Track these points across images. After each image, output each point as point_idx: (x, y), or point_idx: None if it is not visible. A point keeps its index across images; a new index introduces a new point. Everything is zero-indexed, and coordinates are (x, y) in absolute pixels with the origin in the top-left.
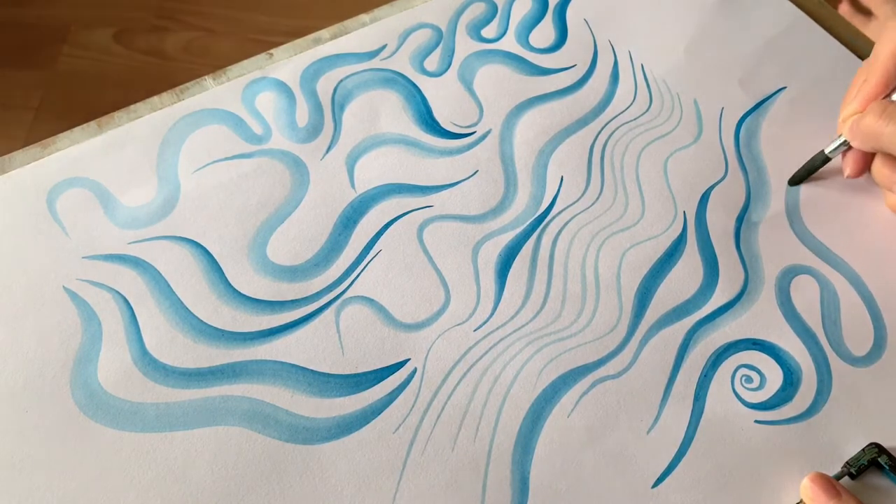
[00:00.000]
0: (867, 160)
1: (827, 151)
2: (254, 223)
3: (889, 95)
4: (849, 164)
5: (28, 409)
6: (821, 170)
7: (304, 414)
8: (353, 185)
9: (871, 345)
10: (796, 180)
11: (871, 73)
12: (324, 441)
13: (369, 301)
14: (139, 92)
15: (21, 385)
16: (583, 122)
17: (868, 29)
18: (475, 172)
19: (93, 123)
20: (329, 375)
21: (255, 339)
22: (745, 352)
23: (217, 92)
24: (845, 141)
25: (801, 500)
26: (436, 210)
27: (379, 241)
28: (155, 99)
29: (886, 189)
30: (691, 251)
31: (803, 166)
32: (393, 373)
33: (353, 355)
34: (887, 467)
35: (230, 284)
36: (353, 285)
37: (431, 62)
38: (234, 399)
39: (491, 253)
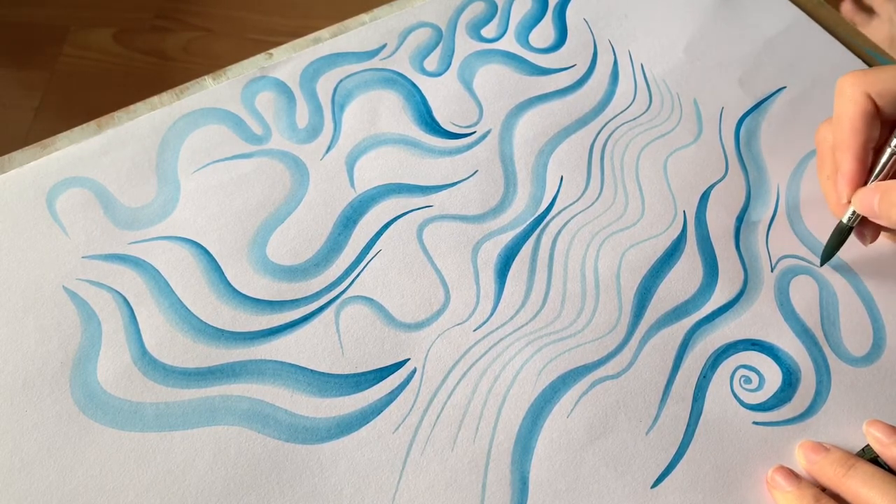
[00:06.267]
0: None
1: (845, 220)
2: (253, 223)
3: (875, 167)
4: (869, 238)
5: (27, 408)
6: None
7: (303, 414)
8: (352, 185)
9: (870, 345)
10: (826, 258)
11: (843, 143)
12: (323, 441)
13: (369, 301)
14: (139, 92)
15: (20, 384)
16: (582, 122)
17: (868, 28)
18: (475, 172)
19: (92, 123)
20: (329, 375)
21: (255, 338)
22: (744, 352)
23: (217, 92)
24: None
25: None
26: (435, 210)
27: (379, 241)
28: (155, 99)
29: None
30: (691, 251)
31: (829, 244)
32: (392, 372)
33: (353, 355)
34: (886, 468)
35: (230, 284)
36: (353, 285)
37: (431, 62)
38: (234, 399)
39: (490, 253)
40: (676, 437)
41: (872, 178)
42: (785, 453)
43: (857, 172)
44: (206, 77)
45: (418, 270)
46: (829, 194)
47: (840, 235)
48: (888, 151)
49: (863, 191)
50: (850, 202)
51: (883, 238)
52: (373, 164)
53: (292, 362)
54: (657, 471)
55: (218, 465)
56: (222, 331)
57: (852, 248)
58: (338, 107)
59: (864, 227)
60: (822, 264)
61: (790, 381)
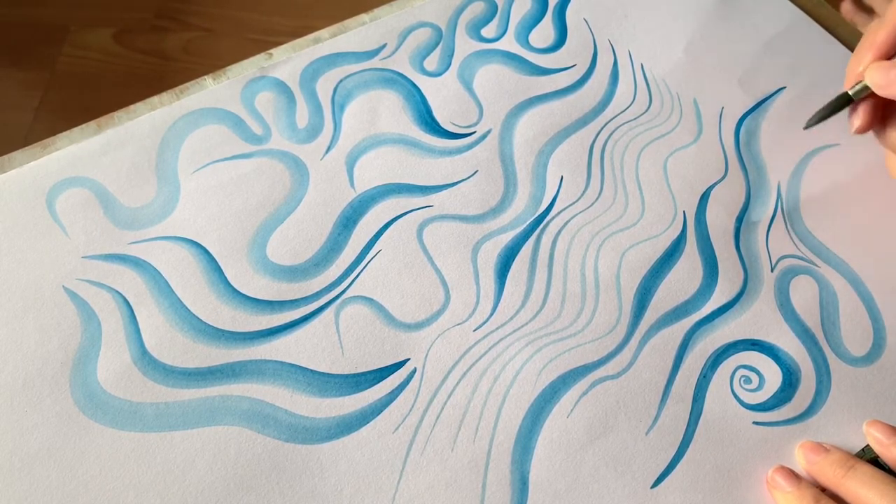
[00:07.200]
0: (878, 116)
1: (851, 93)
2: (253, 223)
3: None
4: (860, 117)
5: (27, 408)
6: (820, 170)
7: (303, 414)
8: (352, 185)
9: (871, 345)
10: (814, 122)
11: (886, 25)
12: (323, 441)
13: (369, 301)
14: (139, 92)
15: (20, 385)
16: (582, 122)
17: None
18: (475, 172)
19: (92, 123)
20: (329, 375)
21: (255, 338)
22: (744, 352)
23: (217, 92)
24: (866, 86)
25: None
26: (435, 210)
27: (379, 241)
28: (154, 99)
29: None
30: (691, 251)
31: (823, 108)
32: (392, 373)
33: (353, 355)
34: (886, 468)
35: (230, 284)
36: (353, 285)
37: (431, 62)
38: (234, 399)
39: (490, 253)
40: (676, 437)
41: None
42: (785, 453)
43: (887, 45)
44: (206, 77)
45: (418, 270)
46: (850, 71)
47: (838, 104)
48: None
49: (882, 63)
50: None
51: (883, 239)
52: (373, 164)
53: (292, 362)
54: (657, 471)
55: (218, 465)
56: (222, 331)
57: (853, 247)
58: (338, 107)
59: (859, 106)
60: (805, 127)
61: (790, 381)
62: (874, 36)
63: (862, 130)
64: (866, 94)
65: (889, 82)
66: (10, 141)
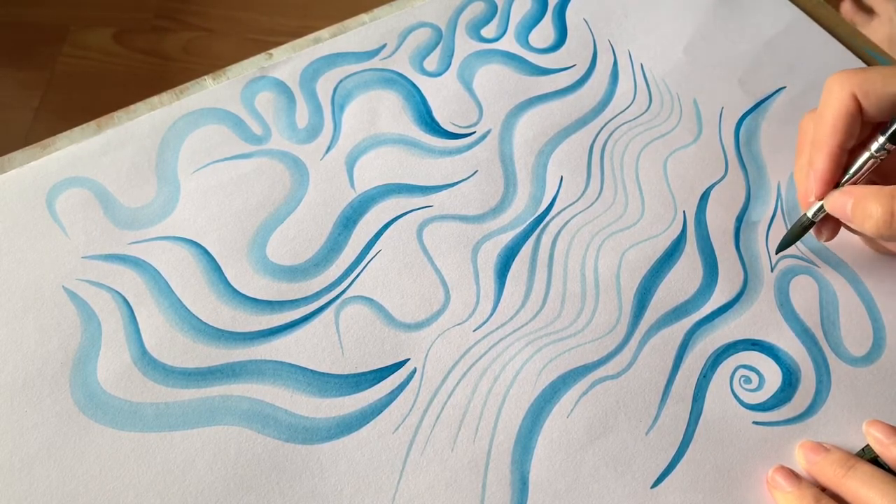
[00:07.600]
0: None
1: (810, 216)
2: (253, 223)
3: (850, 167)
4: (825, 234)
5: (27, 408)
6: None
7: (303, 414)
8: (352, 185)
9: (870, 345)
10: (783, 247)
11: (820, 140)
12: (323, 441)
13: (369, 301)
14: (139, 92)
15: (20, 385)
16: (582, 122)
17: (868, 28)
18: (475, 172)
19: (92, 123)
20: (329, 375)
21: (255, 338)
22: (744, 352)
23: (217, 92)
24: (822, 206)
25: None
26: (435, 210)
27: (379, 241)
28: (154, 99)
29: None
30: (691, 251)
31: (788, 235)
32: (392, 373)
33: (353, 355)
34: (886, 468)
35: (230, 284)
36: (353, 285)
37: (431, 62)
38: (234, 399)
39: (490, 253)
40: (676, 437)
41: (846, 179)
42: (785, 453)
43: (830, 172)
44: (206, 77)
45: (418, 270)
46: (800, 185)
47: (802, 229)
48: (865, 155)
49: (836, 194)
50: (817, 199)
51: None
52: (373, 164)
53: (292, 362)
54: (657, 471)
55: (218, 465)
56: (222, 331)
57: (853, 247)
58: (337, 107)
59: (823, 224)
60: (776, 252)
61: (790, 381)
62: (815, 160)
63: (831, 239)
64: (825, 212)
65: (853, 217)
66: (10, 141)
